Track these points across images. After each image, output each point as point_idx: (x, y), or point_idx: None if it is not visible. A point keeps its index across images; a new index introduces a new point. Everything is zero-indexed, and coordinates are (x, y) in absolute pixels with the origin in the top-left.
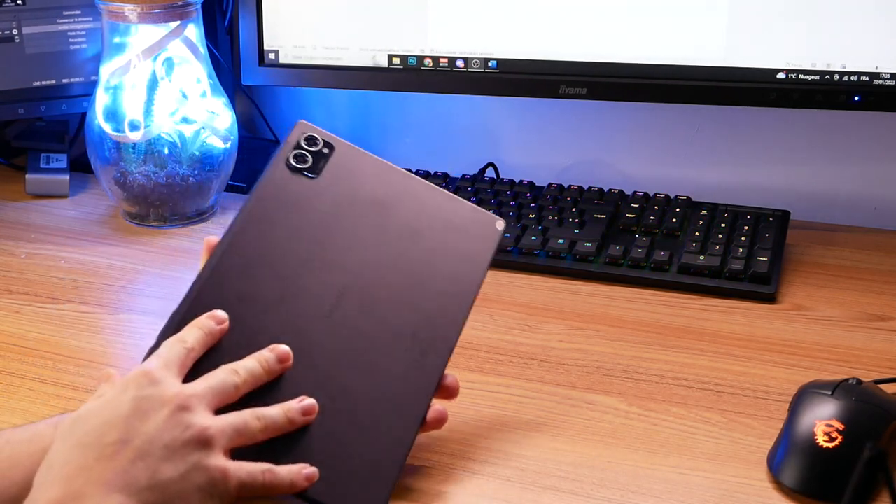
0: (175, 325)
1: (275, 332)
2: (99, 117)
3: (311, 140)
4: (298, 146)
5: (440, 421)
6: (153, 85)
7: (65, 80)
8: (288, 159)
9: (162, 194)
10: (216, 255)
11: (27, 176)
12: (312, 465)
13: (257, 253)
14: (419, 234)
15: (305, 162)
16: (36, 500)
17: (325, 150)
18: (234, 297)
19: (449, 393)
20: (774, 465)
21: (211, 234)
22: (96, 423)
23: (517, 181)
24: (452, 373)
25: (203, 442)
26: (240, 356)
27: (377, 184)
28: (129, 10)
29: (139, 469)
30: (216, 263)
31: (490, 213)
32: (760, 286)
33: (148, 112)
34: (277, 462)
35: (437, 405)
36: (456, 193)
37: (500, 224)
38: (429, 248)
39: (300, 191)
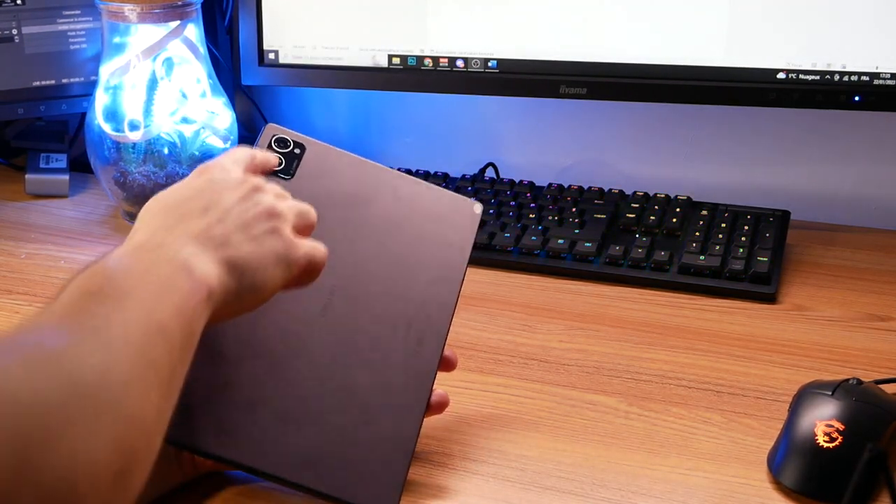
0: None
1: (271, 335)
2: (99, 117)
3: (281, 142)
4: (269, 149)
5: (442, 405)
6: (153, 85)
7: (64, 80)
8: None
9: None
10: None
11: (27, 176)
12: (323, 462)
13: None
14: (399, 226)
15: (278, 165)
16: (117, 250)
17: (297, 151)
18: None
19: (449, 365)
20: (774, 465)
21: None
22: (178, 196)
23: (517, 181)
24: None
25: (274, 215)
26: (236, 364)
27: (351, 179)
28: (129, 10)
29: (217, 230)
30: None
31: (465, 197)
32: (760, 286)
33: (148, 112)
34: (291, 453)
35: (438, 389)
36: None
37: (478, 207)
38: (410, 238)
39: None
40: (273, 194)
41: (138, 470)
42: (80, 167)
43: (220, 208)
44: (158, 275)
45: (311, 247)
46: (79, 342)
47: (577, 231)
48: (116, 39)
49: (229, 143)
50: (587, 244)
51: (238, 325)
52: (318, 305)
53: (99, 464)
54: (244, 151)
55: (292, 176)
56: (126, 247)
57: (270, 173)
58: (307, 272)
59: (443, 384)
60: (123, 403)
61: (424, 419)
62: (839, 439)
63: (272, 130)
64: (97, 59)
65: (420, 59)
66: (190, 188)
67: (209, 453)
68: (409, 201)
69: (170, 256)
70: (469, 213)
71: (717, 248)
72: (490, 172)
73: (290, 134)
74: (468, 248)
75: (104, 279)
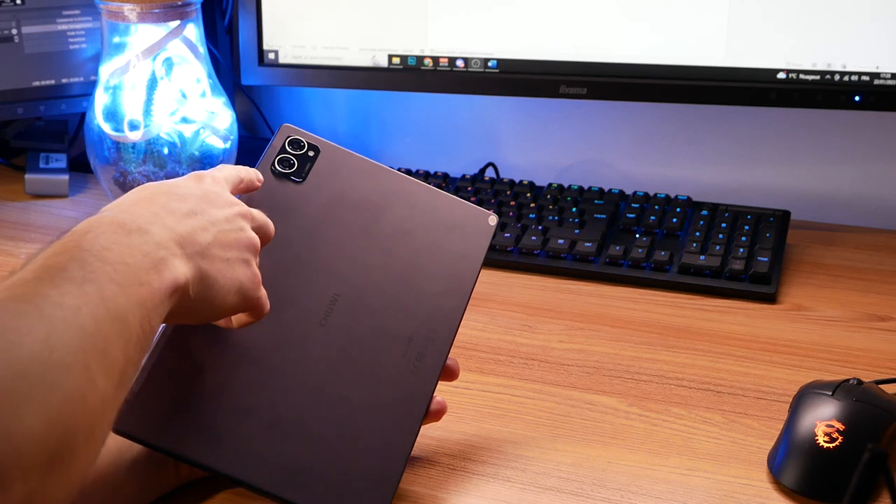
0: (165, 343)
1: (269, 344)
2: (98, 117)
3: (295, 143)
4: (283, 150)
5: (440, 412)
6: (153, 85)
7: (64, 80)
8: (273, 165)
9: None
10: None
11: (27, 176)
12: (310, 476)
13: None
14: (411, 235)
15: (290, 167)
16: (100, 220)
17: (311, 153)
18: None
19: (450, 374)
20: (775, 465)
21: None
22: (171, 193)
23: (517, 181)
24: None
25: (250, 248)
26: (234, 370)
27: (365, 184)
28: (129, 10)
29: (200, 237)
30: None
31: (481, 209)
32: (760, 286)
33: (147, 112)
34: (277, 465)
35: (437, 396)
36: (456, 193)
37: (493, 219)
38: (421, 247)
39: (287, 197)
40: (256, 225)
41: (78, 457)
42: (80, 167)
43: (206, 218)
44: (131, 265)
45: (265, 295)
46: (21, 318)
47: (577, 231)
48: (116, 39)
49: (229, 143)
50: (587, 244)
51: (234, 330)
52: (318, 314)
53: (30, 442)
54: (233, 171)
55: (304, 179)
56: (107, 221)
57: (282, 176)
58: (251, 312)
59: (443, 384)
60: (63, 385)
61: (422, 426)
62: (839, 439)
63: (287, 131)
64: (97, 59)
65: (420, 59)
66: (182, 188)
67: (191, 460)
68: (422, 210)
69: (148, 249)
70: (484, 224)
71: (717, 248)
72: (490, 172)
73: (305, 135)
74: (479, 261)
75: (71, 259)
